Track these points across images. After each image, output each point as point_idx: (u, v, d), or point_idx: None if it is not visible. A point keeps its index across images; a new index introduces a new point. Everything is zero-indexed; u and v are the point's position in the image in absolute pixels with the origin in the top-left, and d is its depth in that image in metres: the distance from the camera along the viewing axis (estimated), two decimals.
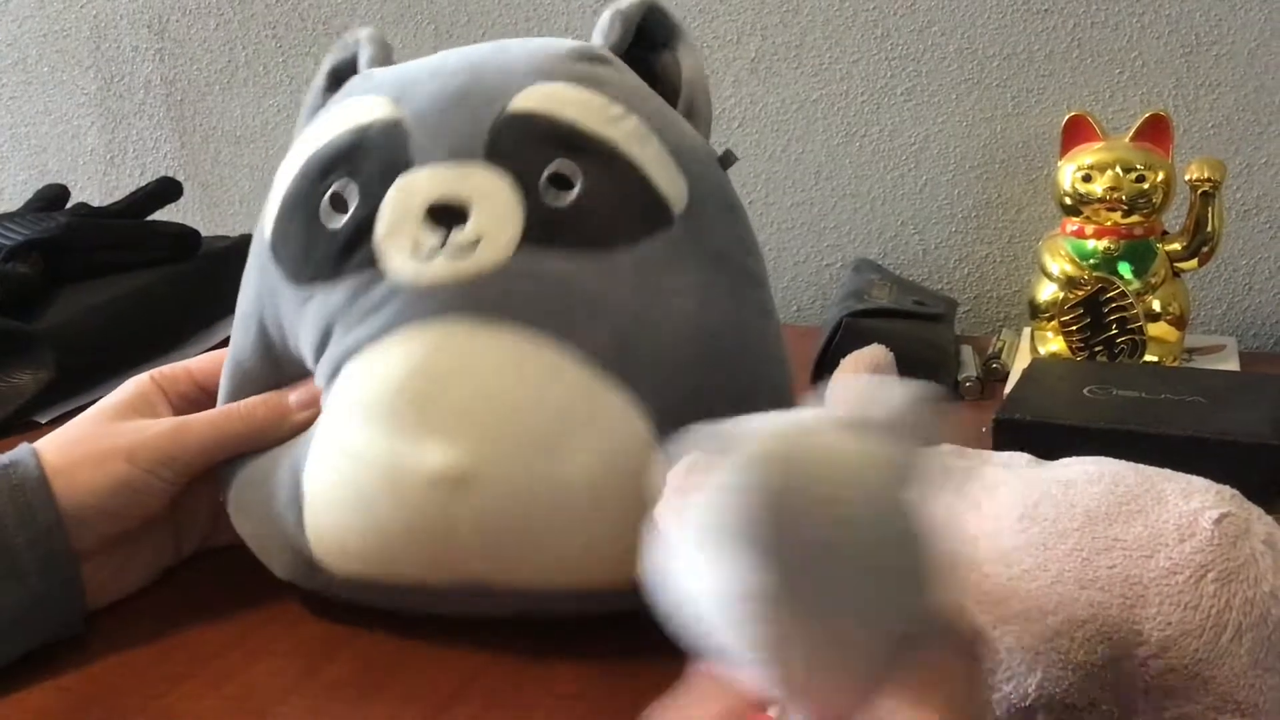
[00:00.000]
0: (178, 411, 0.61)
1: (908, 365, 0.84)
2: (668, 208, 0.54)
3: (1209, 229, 0.84)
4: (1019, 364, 0.88)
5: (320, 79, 0.63)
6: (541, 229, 0.52)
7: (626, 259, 0.53)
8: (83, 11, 1.31)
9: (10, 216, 1.03)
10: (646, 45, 0.61)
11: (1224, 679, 0.39)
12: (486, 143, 0.54)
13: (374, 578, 0.55)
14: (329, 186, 0.55)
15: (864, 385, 0.55)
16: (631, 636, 0.54)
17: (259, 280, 0.58)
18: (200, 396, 0.62)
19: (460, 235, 0.53)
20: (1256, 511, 0.42)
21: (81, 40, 1.32)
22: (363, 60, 0.62)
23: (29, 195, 1.11)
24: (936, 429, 0.38)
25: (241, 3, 1.25)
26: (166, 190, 1.12)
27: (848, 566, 0.35)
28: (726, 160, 0.60)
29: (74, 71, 1.34)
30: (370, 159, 0.55)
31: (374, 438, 0.52)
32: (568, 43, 0.58)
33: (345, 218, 0.54)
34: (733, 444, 0.34)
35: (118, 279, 0.99)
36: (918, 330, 0.89)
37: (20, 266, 0.94)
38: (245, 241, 1.10)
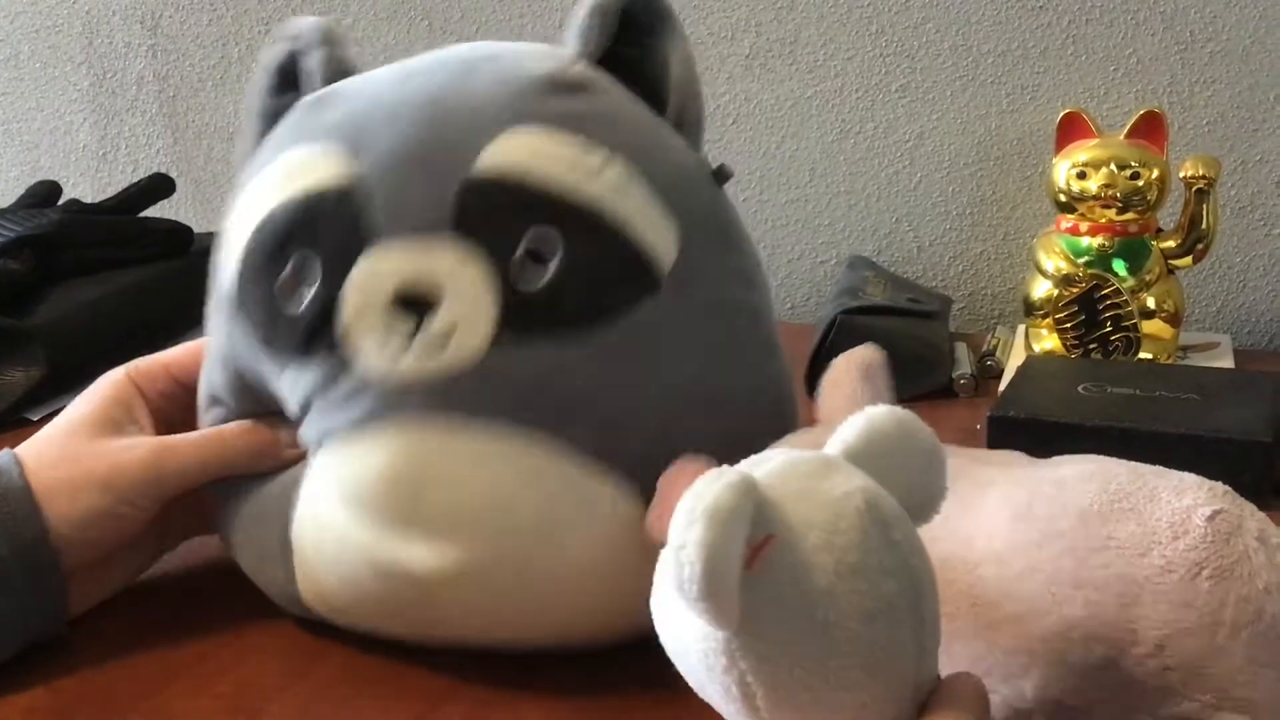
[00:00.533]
0: (158, 411, 0.59)
1: (902, 363, 0.83)
2: (655, 268, 0.51)
3: (1203, 226, 0.84)
4: (1013, 361, 0.88)
5: (264, 78, 0.58)
6: (518, 315, 0.49)
7: (614, 335, 0.50)
8: (75, 7, 1.31)
9: (1, 213, 1.02)
10: (631, 38, 0.55)
11: (1221, 676, 0.39)
12: (454, 214, 0.49)
13: (366, 629, 0.55)
14: (288, 258, 0.51)
15: (852, 396, 0.55)
16: (616, 648, 0.54)
17: (229, 328, 0.55)
18: (179, 393, 0.60)
19: (432, 327, 0.49)
20: (1249, 508, 0.42)
21: (74, 36, 1.32)
22: (312, 64, 0.57)
23: (20, 191, 1.10)
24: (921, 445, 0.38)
25: None
26: (159, 186, 1.11)
27: (811, 615, 0.35)
28: (720, 176, 0.56)
29: (66, 67, 1.33)
30: (330, 231, 0.51)
31: (359, 527, 0.51)
32: (542, 65, 0.53)
33: (308, 298, 0.51)
34: (697, 490, 0.34)
35: (110, 276, 0.98)
36: (912, 327, 0.89)
37: (11, 263, 0.93)
38: None
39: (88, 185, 1.35)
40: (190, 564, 0.64)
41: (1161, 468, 0.45)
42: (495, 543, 0.50)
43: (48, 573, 0.54)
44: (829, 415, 0.57)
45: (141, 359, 0.61)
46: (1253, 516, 0.42)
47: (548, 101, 0.52)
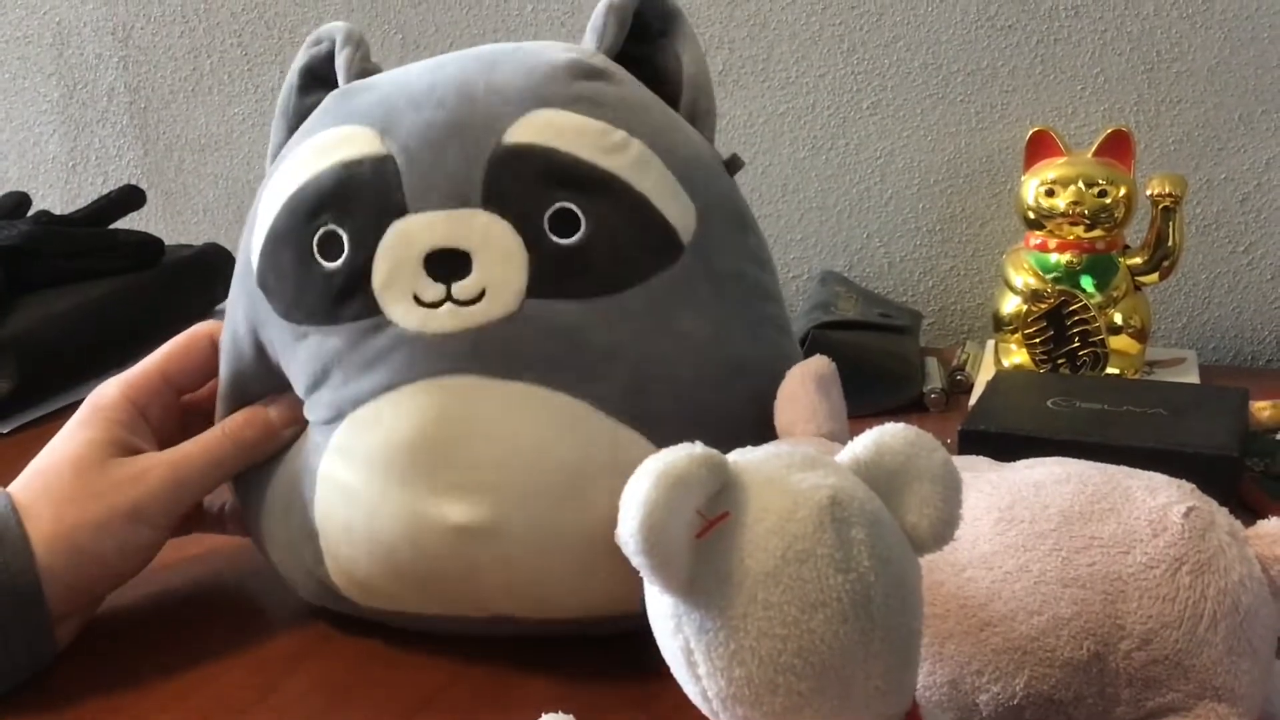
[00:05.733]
0: (159, 427, 0.58)
1: (874, 377, 0.85)
2: (676, 238, 0.53)
3: (1170, 244, 0.85)
4: (983, 376, 0.88)
5: (294, 77, 0.60)
6: (548, 277, 0.51)
7: (638, 299, 0.52)
8: (46, 18, 1.30)
9: None
10: (644, 37, 0.58)
11: (1202, 667, 0.41)
12: (483, 185, 0.51)
13: (399, 610, 0.55)
14: (319, 227, 0.53)
15: (810, 408, 0.56)
16: (604, 651, 0.54)
17: (248, 305, 0.56)
18: (174, 400, 0.59)
19: (464, 286, 0.51)
20: (1215, 503, 0.44)
21: (44, 47, 1.31)
22: (340, 62, 0.58)
23: None
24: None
25: (206, 11, 1.25)
26: (129, 198, 1.11)
27: (752, 593, 0.35)
28: (733, 165, 0.58)
29: (36, 79, 1.32)
30: (362, 201, 0.52)
31: (389, 491, 0.51)
32: (563, 54, 0.55)
33: (339, 262, 0.52)
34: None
35: (80, 287, 0.98)
36: (883, 342, 0.90)
37: None
38: (209, 250, 1.10)
39: (57, 197, 1.34)
40: (165, 578, 0.63)
41: (1126, 468, 0.46)
42: (527, 491, 0.50)
43: (40, 629, 0.54)
44: (787, 427, 0.57)
45: (134, 374, 0.59)
46: (1221, 512, 0.44)
47: (570, 86, 0.54)
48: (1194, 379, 0.88)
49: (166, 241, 1.07)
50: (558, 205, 0.51)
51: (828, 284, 0.99)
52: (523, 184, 0.51)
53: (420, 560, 0.52)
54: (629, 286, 0.52)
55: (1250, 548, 0.43)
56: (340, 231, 0.52)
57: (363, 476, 0.52)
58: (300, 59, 0.60)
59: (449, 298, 0.51)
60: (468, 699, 0.53)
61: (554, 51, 0.56)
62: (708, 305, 0.53)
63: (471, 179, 0.51)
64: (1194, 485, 0.45)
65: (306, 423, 0.56)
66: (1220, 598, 0.41)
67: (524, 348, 0.51)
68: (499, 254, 0.51)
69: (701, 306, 0.53)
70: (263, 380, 0.57)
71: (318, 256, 0.53)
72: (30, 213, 1.08)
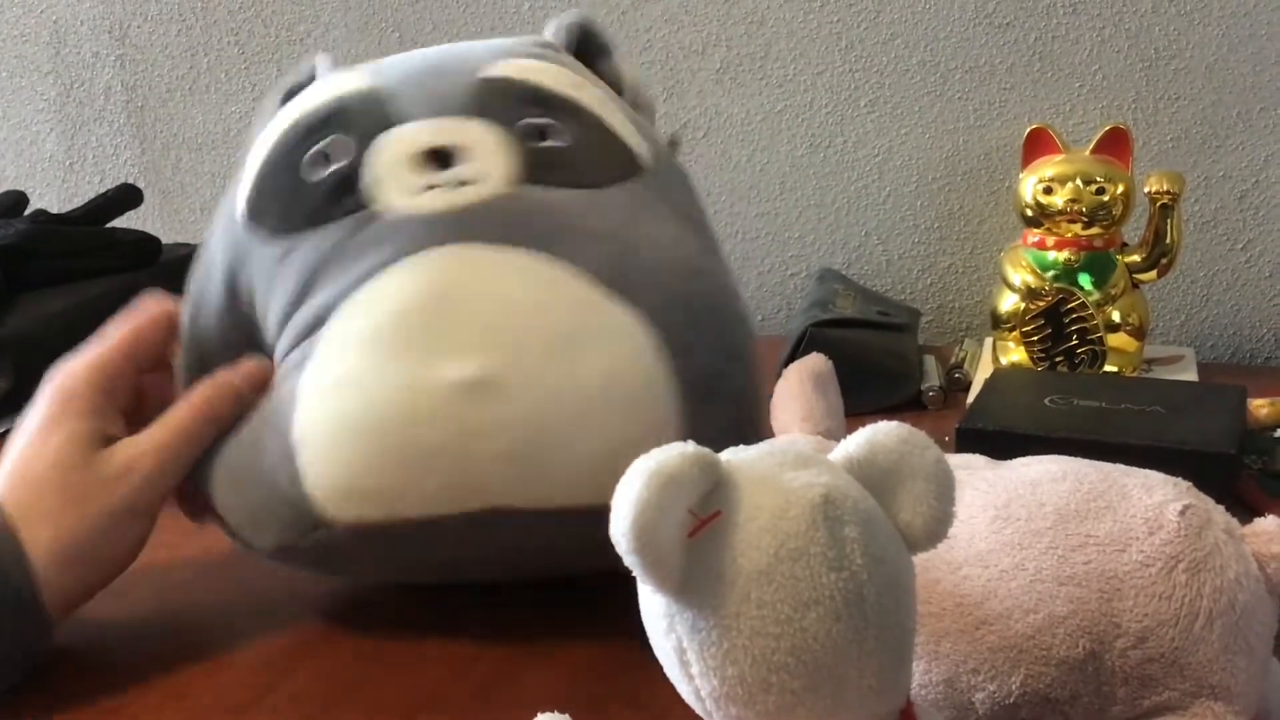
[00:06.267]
0: (124, 406, 0.57)
1: (872, 375, 0.85)
2: (638, 159, 0.59)
3: (1168, 241, 0.85)
4: (981, 374, 0.88)
5: (277, 95, 0.63)
6: (533, 170, 0.55)
7: (615, 197, 0.57)
8: (43, 17, 1.30)
9: None
10: (585, 57, 0.65)
11: (1198, 665, 0.41)
12: (469, 100, 0.57)
13: (378, 521, 0.53)
14: (313, 144, 0.56)
15: (807, 406, 0.56)
16: (601, 650, 0.54)
17: (229, 249, 0.58)
18: (137, 380, 0.59)
19: (456, 173, 0.55)
20: (1212, 502, 0.44)
21: (41, 46, 1.31)
22: (322, 71, 0.64)
23: None
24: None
25: (204, 10, 1.25)
26: (126, 197, 1.10)
27: (745, 592, 0.35)
28: (674, 144, 0.64)
29: (33, 77, 1.32)
30: (356, 118, 0.57)
31: (381, 364, 0.52)
32: (526, 38, 0.63)
33: (332, 168, 0.56)
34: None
35: (77, 286, 0.98)
36: (881, 340, 0.90)
37: None
38: None
39: (54, 196, 1.34)
40: (158, 580, 0.63)
41: (1123, 466, 0.46)
42: (522, 349, 0.52)
43: (39, 632, 0.54)
44: (784, 425, 0.57)
45: (102, 359, 0.57)
46: (1217, 509, 0.44)
47: (533, 49, 0.62)
48: (1192, 377, 0.88)
49: (164, 240, 1.07)
50: (537, 119, 0.57)
51: (826, 282, 0.99)
52: (504, 101, 0.57)
53: (413, 433, 0.51)
54: (607, 186, 0.57)
55: (1247, 545, 0.43)
56: (334, 144, 0.56)
57: (357, 359, 0.52)
58: (283, 84, 0.64)
59: (443, 181, 0.55)
60: (465, 698, 0.53)
61: (518, 38, 0.64)
62: (668, 222, 0.58)
63: (456, 97, 0.57)
64: (1190, 483, 0.45)
65: (269, 387, 0.56)
66: (1216, 596, 0.41)
67: (513, 220, 0.54)
68: (487, 149, 0.55)
69: (664, 220, 0.58)
70: (229, 342, 0.58)
71: (311, 167, 0.56)
72: (27, 211, 1.08)
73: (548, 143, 0.57)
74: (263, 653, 0.57)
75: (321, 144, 0.56)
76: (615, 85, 0.64)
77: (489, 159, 0.55)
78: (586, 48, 0.66)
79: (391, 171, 0.55)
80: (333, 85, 0.59)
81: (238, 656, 0.57)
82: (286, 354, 0.55)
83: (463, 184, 0.55)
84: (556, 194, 0.55)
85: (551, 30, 0.66)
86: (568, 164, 0.56)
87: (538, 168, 0.56)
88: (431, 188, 0.54)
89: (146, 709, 0.53)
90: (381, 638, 0.57)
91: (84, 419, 0.55)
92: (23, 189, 1.13)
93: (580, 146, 0.57)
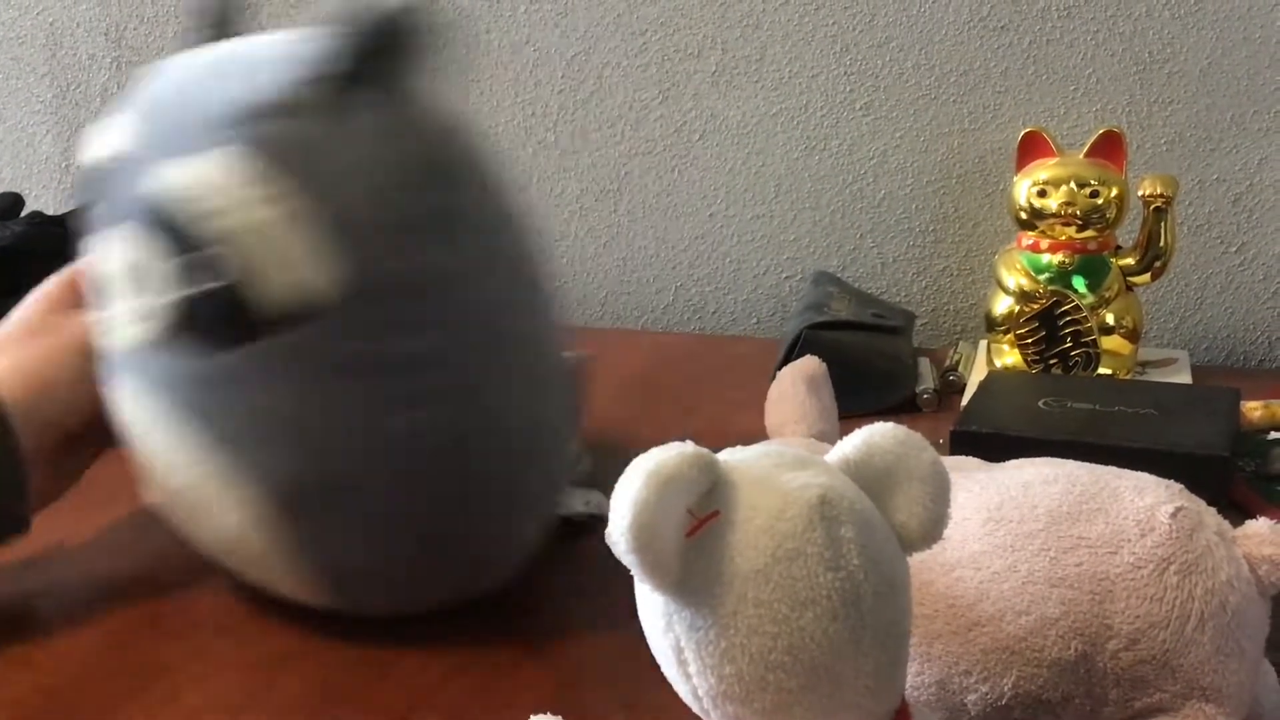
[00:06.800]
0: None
1: (866, 377, 0.85)
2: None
3: (1161, 244, 0.86)
4: (975, 376, 0.89)
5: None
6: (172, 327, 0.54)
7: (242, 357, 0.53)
8: (39, 19, 1.30)
9: None
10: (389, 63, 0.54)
11: (1190, 667, 0.41)
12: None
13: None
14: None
15: (800, 407, 0.56)
16: (596, 650, 0.54)
17: None
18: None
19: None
20: (1204, 504, 0.44)
21: (37, 48, 1.31)
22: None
23: None
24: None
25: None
26: None
27: (742, 592, 0.35)
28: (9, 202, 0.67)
29: (29, 79, 1.32)
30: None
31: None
32: (277, 79, 0.55)
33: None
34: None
35: None
36: (876, 342, 0.90)
37: None
38: None
39: (50, 197, 1.34)
40: (150, 582, 0.63)
41: (1115, 468, 0.46)
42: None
43: (16, 471, 0.58)
44: (778, 428, 0.57)
45: (59, 284, 0.65)
46: (1208, 512, 0.44)
47: (257, 126, 0.53)
48: (1186, 379, 0.88)
49: None
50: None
51: (821, 284, 1.00)
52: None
53: None
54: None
55: (1238, 547, 0.43)
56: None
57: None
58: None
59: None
60: (461, 699, 0.53)
61: (269, 75, 0.56)
62: (296, 385, 0.54)
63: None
64: (1182, 485, 0.45)
65: None
66: (1208, 598, 0.41)
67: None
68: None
69: (289, 385, 0.54)
70: None
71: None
72: (24, 213, 1.08)
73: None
74: (261, 653, 0.57)
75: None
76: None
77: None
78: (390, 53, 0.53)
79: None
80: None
81: (229, 659, 0.57)
82: None
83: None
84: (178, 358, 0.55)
85: (328, 45, 0.54)
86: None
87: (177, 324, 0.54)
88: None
89: (138, 712, 0.53)
90: (377, 639, 0.57)
91: (49, 299, 0.64)
92: (19, 191, 1.13)
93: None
